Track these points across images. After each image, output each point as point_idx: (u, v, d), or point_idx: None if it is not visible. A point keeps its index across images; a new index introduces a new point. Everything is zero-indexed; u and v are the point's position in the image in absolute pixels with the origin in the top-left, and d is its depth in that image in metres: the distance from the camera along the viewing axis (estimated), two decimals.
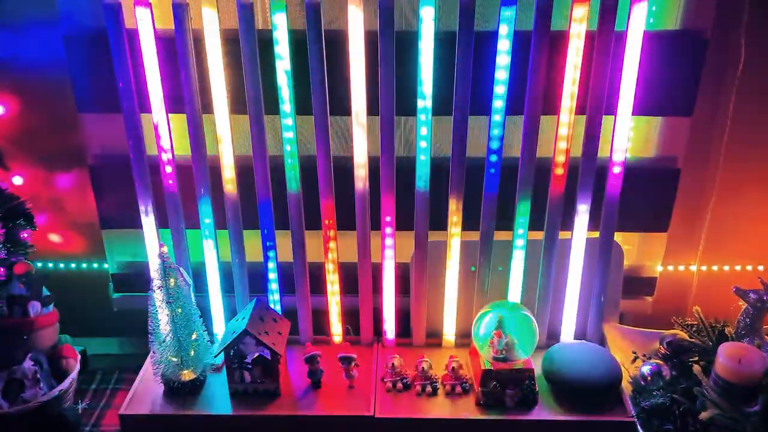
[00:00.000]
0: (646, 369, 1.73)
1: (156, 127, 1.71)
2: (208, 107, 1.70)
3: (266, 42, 1.61)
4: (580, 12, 1.56)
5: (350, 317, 1.96)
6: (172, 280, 1.68)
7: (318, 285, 1.91)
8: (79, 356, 1.91)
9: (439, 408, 1.74)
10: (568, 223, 1.80)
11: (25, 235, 1.82)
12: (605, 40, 1.58)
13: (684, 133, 1.85)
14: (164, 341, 1.71)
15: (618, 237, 1.86)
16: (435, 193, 1.76)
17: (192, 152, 1.73)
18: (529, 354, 1.74)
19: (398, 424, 1.72)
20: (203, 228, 1.82)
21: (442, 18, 1.73)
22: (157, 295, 1.68)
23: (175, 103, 1.70)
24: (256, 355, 1.74)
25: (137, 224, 1.84)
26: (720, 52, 1.76)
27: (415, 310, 1.91)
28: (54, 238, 2.06)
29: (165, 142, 1.72)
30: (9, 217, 1.80)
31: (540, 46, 1.58)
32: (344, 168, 1.76)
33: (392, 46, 1.58)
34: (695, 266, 2.07)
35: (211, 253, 1.86)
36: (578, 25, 1.57)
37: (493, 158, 1.69)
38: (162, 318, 1.69)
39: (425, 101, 1.63)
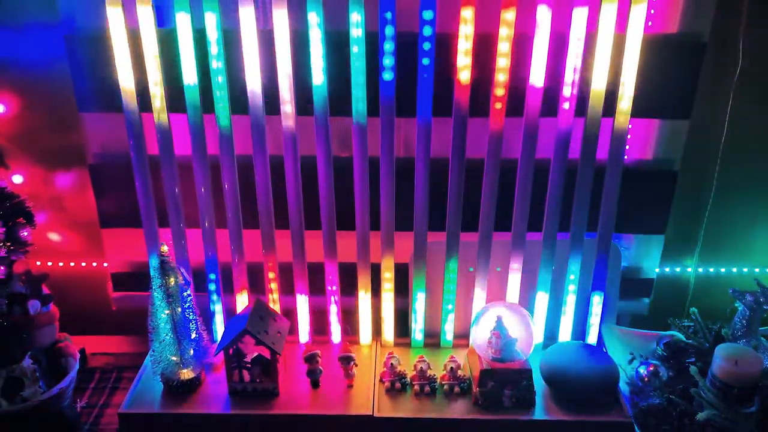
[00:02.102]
0: (643, 370, 1.75)
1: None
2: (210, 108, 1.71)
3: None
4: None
5: (350, 317, 1.97)
6: (171, 279, 1.68)
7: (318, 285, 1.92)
8: (78, 355, 1.91)
9: (438, 408, 1.75)
10: (566, 224, 1.82)
11: (25, 233, 1.82)
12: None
13: (682, 136, 1.86)
14: (163, 340, 1.72)
15: (616, 238, 1.87)
16: (435, 193, 1.77)
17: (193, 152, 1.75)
18: (527, 355, 1.75)
19: (397, 424, 1.72)
20: None
21: None
22: (157, 294, 1.69)
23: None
24: (256, 354, 1.75)
25: (137, 223, 1.84)
26: (718, 55, 1.77)
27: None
28: (54, 236, 2.07)
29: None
30: (9, 216, 1.80)
31: None
32: (344, 168, 1.77)
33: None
34: (692, 268, 2.08)
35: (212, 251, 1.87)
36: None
37: None
38: (161, 317, 1.70)
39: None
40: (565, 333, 1.94)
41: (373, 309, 1.94)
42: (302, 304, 1.93)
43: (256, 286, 1.94)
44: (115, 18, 1.61)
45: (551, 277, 1.87)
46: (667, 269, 2.08)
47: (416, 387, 1.80)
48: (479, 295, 1.90)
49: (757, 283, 1.75)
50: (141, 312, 1.74)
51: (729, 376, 1.54)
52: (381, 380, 1.82)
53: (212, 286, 1.90)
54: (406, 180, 1.76)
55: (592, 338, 1.94)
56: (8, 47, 1.81)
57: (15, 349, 1.78)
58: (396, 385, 1.80)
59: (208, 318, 1.92)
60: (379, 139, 1.69)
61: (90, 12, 1.72)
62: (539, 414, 1.72)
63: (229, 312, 1.95)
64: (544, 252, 1.83)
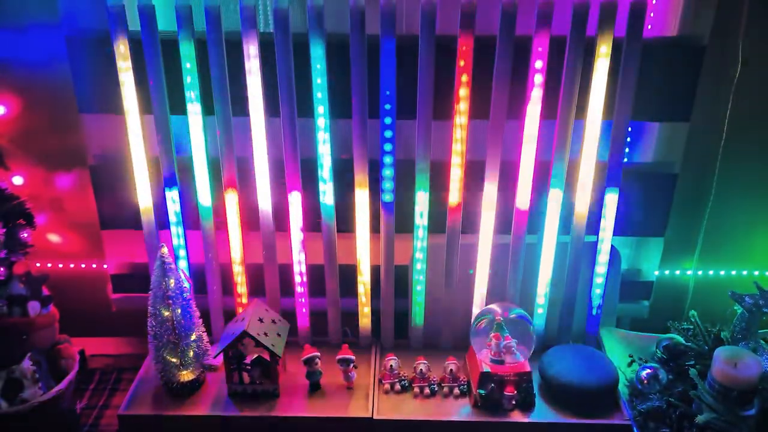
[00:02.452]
0: (642, 372, 1.75)
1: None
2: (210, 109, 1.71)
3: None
4: None
5: (349, 319, 1.97)
6: (171, 280, 1.68)
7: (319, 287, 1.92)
8: (78, 356, 1.91)
9: (437, 410, 1.75)
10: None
11: (25, 234, 1.82)
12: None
13: (682, 139, 1.86)
14: (163, 342, 1.72)
15: (616, 241, 1.88)
16: (435, 195, 1.77)
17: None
18: (526, 357, 1.75)
19: (396, 426, 1.72)
20: None
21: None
22: (157, 295, 1.69)
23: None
24: (255, 356, 1.75)
25: (137, 225, 1.84)
26: (718, 57, 1.78)
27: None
28: (54, 238, 2.07)
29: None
30: (9, 217, 1.80)
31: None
32: (346, 170, 1.77)
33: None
34: (692, 270, 2.08)
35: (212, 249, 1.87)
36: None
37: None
38: (161, 318, 1.70)
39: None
40: (565, 335, 1.94)
41: (373, 311, 1.94)
42: (302, 305, 1.93)
43: (257, 288, 1.94)
44: (116, 19, 1.61)
45: (551, 279, 1.87)
46: (667, 272, 2.09)
47: (416, 389, 1.80)
48: (479, 296, 1.90)
49: (756, 286, 1.75)
50: (141, 313, 1.74)
51: (728, 378, 1.55)
52: (380, 382, 1.82)
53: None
54: (407, 181, 1.77)
55: (591, 341, 1.94)
56: (9, 48, 1.81)
57: (15, 351, 1.78)
58: (395, 386, 1.80)
59: (207, 319, 1.92)
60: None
61: (91, 13, 1.72)
62: (538, 416, 1.72)
63: (229, 313, 1.95)
64: (543, 253, 1.84)
